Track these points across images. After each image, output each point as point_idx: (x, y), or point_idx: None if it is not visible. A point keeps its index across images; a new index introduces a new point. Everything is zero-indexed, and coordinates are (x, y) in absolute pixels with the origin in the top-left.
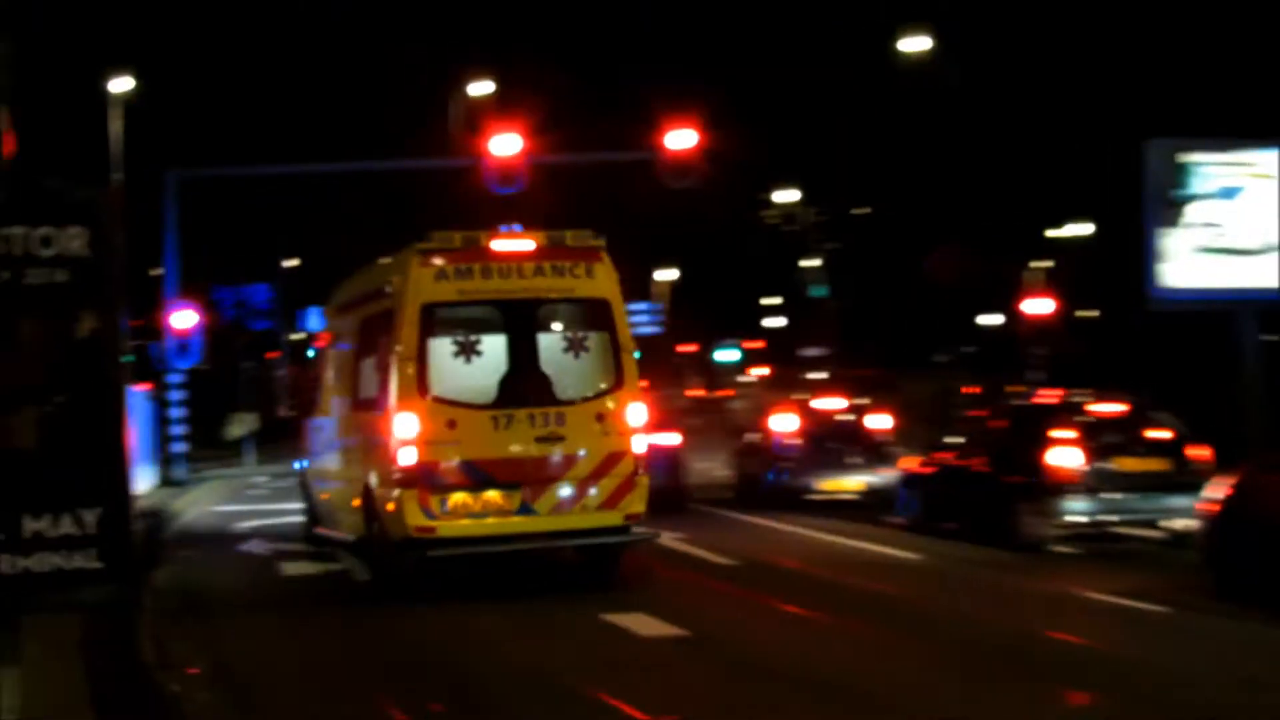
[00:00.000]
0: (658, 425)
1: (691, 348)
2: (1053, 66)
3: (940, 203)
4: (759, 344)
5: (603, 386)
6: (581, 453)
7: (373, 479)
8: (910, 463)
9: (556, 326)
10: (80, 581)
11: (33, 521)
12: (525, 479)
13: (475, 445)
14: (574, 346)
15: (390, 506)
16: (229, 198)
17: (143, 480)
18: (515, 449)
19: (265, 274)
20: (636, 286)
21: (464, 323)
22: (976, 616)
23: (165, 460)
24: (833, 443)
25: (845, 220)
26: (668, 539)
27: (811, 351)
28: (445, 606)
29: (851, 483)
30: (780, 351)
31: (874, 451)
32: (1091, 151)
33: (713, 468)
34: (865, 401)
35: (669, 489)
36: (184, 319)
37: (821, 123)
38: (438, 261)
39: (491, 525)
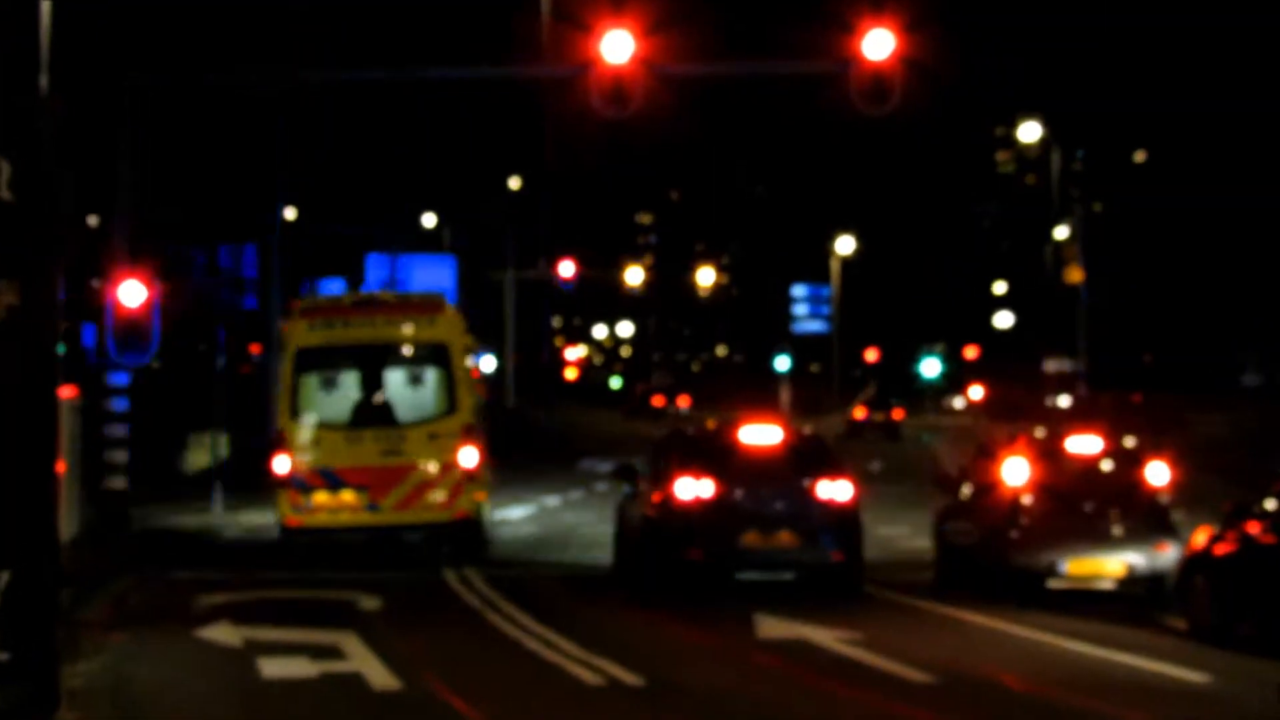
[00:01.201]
0: (820, 470)
1: (877, 355)
2: None
3: (1257, 143)
4: (975, 351)
5: (437, 411)
6: (418, 464)
7: None
8: (1200, 536)
9: (399, 364)
10: None
11: None
12: (372, 483)
13: (332, 456)
14: (414, 380)
15: (277, 503)
16: (207, 118)
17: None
18: (364, 459)
19: (255, 229)
20: (800, 260)
21: (328, 362)
22: None
23: (95, 498)
24: (1085, 503)
25: (1113, 170)
26: (834, 640)
27: (1055, 365)
28: None
29: (1111, 564)
30: (1007, 363)
31: (1145, 517)
32: None
33: (901, 534)
34: (1133, 442)
35: (836, 565)
36: (135, 293)
37: (1081, 27)
38: (311, 315)
39: (345, 519)
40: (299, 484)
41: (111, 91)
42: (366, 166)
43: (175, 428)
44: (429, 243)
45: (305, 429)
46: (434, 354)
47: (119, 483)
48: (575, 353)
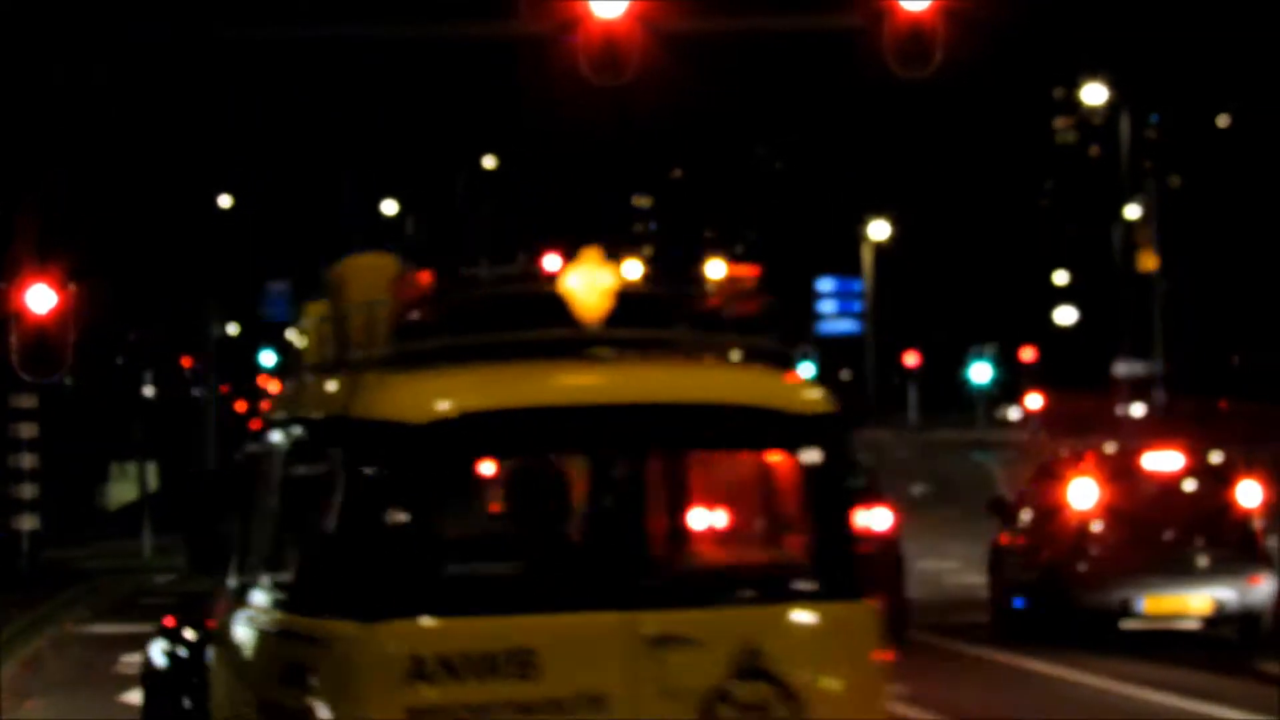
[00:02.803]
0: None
1: (917, 359)
2: None
3: None
4: (1033, 353)
5: None
6: None
7: None
8: None
9: None
10: None
11: None
12: None
13: None
14: None
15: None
16: (127, 89)
17: None
18: None
19: (183, 220)
20: (827, 250)
21: None
22: None
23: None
24: (1165, 529)
25: (1193, 137)
26: None
27: (1127, 368)
28: None
29: (1196, 600)
30: (1071, 366)
31: (1235, 545)
32: None
33: (949, 569)
34: (1221, 457)
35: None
36: (44, 298)
37: None
38: None
39: None
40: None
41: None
42: (315, 146)
43: (94, 456)
44: (390, 234)
45: None
46: None
47: (29, 522)
48: None
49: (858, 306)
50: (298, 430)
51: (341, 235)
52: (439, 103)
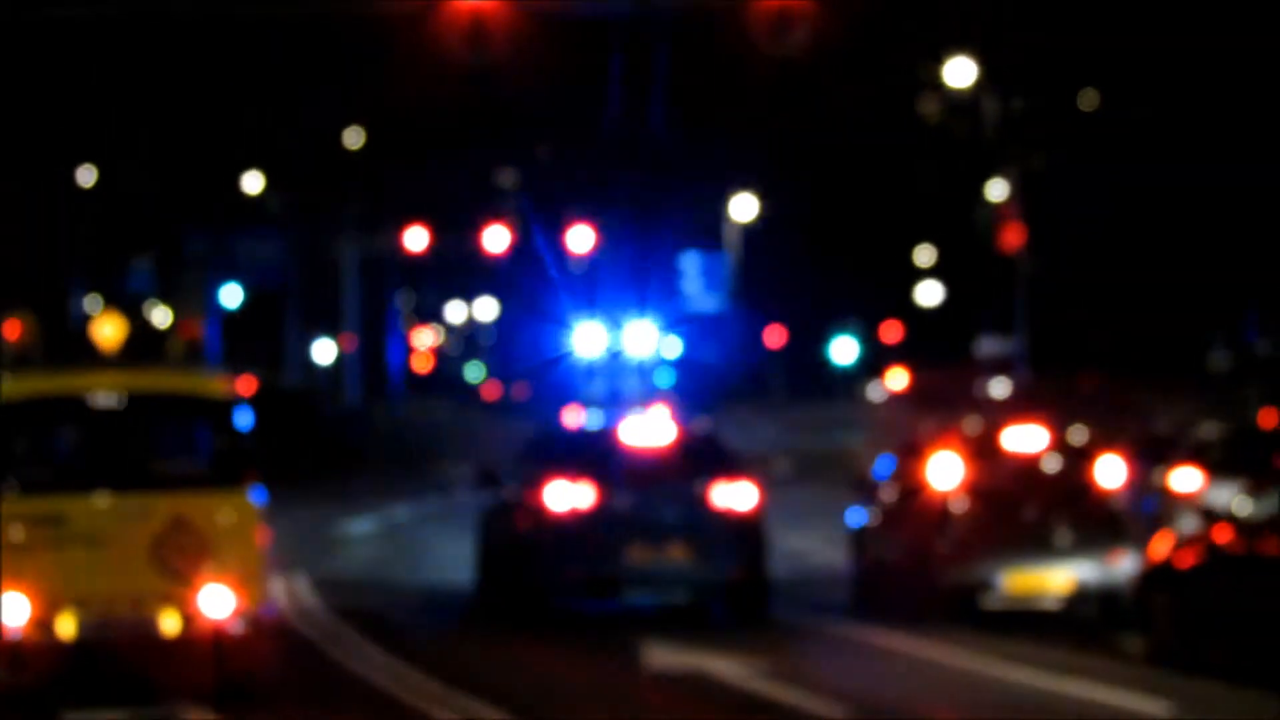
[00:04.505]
0: (717, 472)
1: (781, 337)
2: None
3: (1225, 83)
4: (898, 332)
5: None
6: None
7: None
8: (1162, 545)
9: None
10: None
11: None
12: None
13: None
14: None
15: None
16: None
17: None
18: None
19: (41, 197)
20: (692, 227)
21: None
22: None
23: None
24: (1026, 508)
25: (1059, 117)
26: (734, 672)
27: (990, 346)
28: None
29: (1057, 578)
30: (935, 345)
31: (1096, 523)
32: None
33: (812, 547)
34: (1084, 435)
35: (735, 583)
36: None
37: None
38: None
39: None
40: None
41: None
42: (180, 120)
43: None
44: (253, 211)
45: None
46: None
47: None
48: (426, 338)
49: (722, 284)
50: None
51: (207, 210)
52: (303, 78)
